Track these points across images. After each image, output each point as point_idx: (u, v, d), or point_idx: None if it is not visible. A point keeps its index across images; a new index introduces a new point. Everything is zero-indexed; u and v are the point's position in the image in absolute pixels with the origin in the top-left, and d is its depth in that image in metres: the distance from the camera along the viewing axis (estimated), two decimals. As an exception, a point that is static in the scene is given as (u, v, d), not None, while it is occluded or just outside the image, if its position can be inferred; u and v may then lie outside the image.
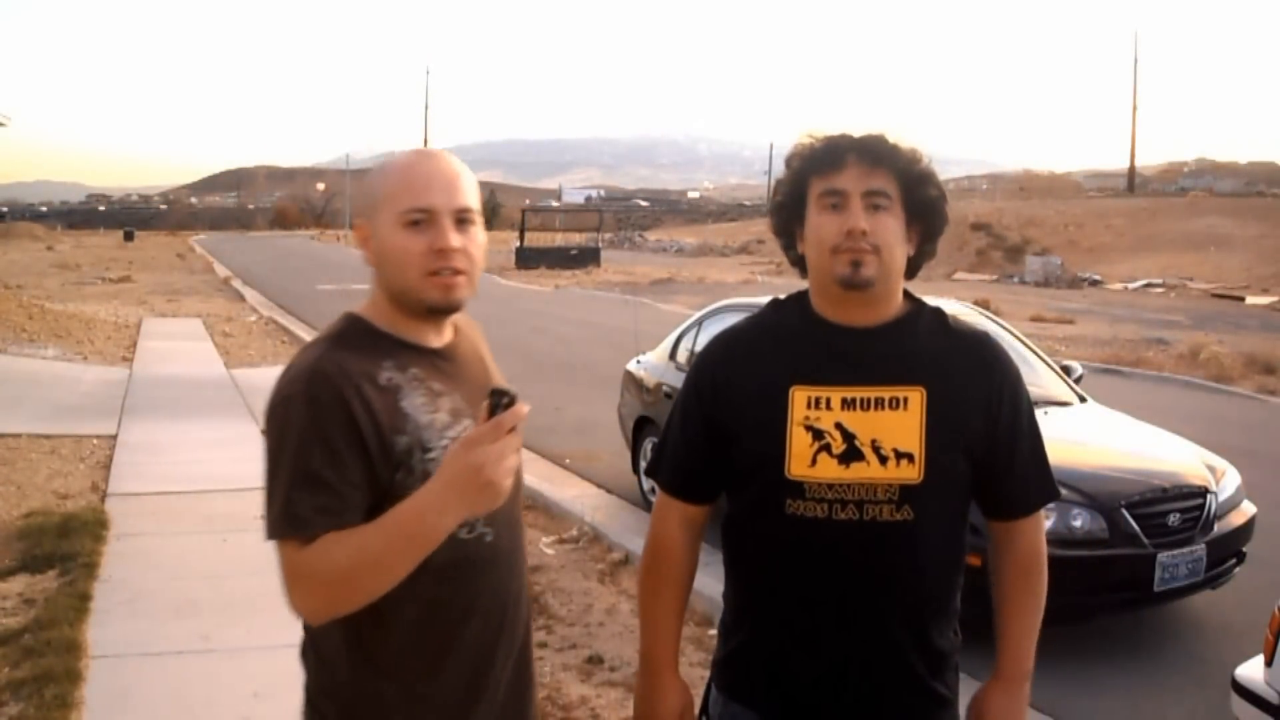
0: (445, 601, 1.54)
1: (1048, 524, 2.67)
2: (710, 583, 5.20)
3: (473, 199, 1.57)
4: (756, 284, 27.30)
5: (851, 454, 1.64)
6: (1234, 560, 4.87)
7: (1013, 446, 1.72)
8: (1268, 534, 5.23)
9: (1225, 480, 5.04)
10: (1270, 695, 3.06)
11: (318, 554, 1.41)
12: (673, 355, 6.87)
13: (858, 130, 1.70)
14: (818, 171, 1.68)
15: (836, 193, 1.66)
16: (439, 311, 1.58)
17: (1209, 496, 4.76)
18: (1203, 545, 4.61)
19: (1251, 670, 3.18)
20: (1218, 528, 4.75)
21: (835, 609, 1.67)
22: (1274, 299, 26.58)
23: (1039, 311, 19.73)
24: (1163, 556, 4.47)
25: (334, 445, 1.44)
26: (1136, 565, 4.45)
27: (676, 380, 6.64)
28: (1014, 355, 1.88)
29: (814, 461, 1.65)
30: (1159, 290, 29.99)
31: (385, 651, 1.54)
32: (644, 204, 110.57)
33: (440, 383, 1.57)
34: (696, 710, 1.87)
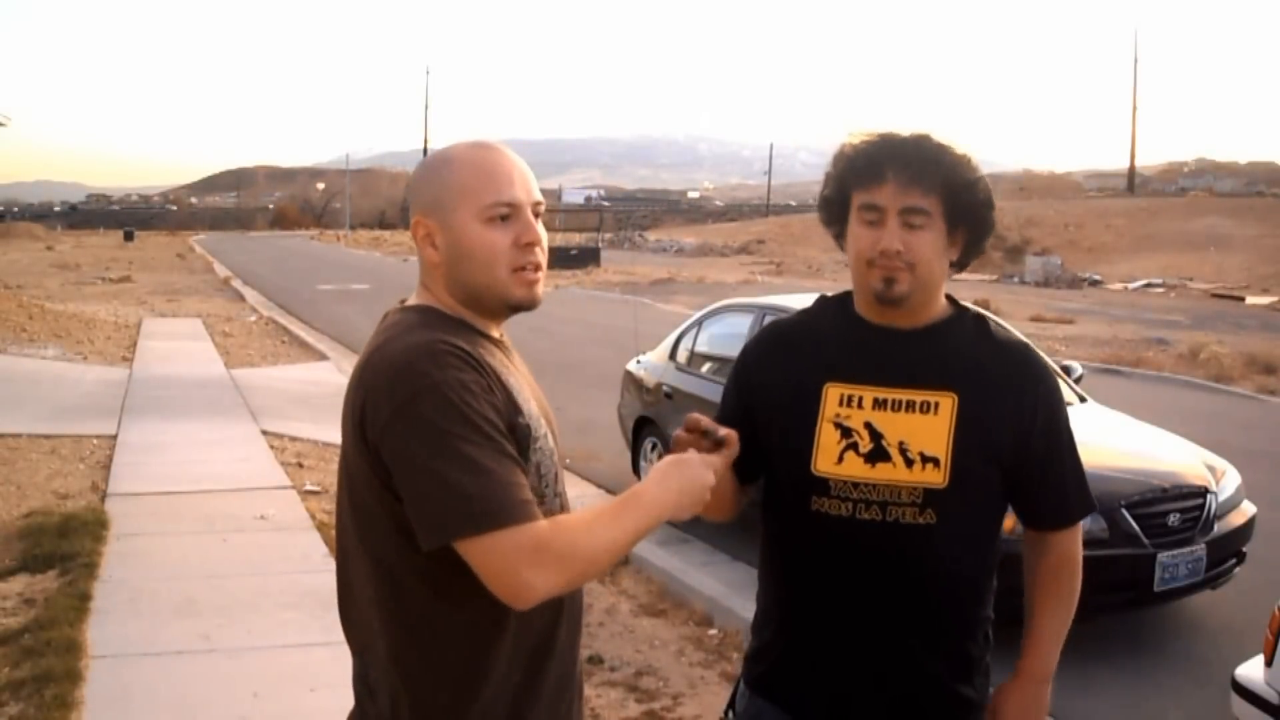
0: (545, 608, 1.48)
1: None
2: (710, 583, 5.24)
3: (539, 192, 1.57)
4: (756, 284, 27.30)
5: (878, 454, 1.65)
6: (1234, 560, 4.87)
7: (1047, 458, 1.70)
8: (1268, 534, 5.23)
9: (1225, 480, 5.04)
10: (1270, 695, 3.06)
11: (578, 531, 1.38)
12: (673, 355, 6.87)
13: (902, 133, 1.68)
14: (858, 183, 1.68)
15: (874, 208, 1.65)
16: (517, 310, 1.54)
17: (1209, 496, 4.76)
18: (1203, 545, 4.61)
19: (1251, 670, 3.18)
20: (1218, 528, 4.75)
21: (856, 608, 1.68)
22: (1274, 299, 26.57)
23: (1039, 311, 19.73)
24: (1163, 556, 4.47)
25: (499, 432, 1.38)
26: (1136, 565, 4.45)
27: (676, 380, 6.64)
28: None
29: (840, 459, 1.67)
30: (1159, 290, 29.99)
31: (493, 654, 1.48)
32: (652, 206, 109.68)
33: (512, 373, 1.53)
34: (724, 707, 1.89)
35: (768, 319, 6.09)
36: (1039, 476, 1.70)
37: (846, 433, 1.67)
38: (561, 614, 1.55)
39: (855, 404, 1.68)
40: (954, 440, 1.64)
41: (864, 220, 1.67)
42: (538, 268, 1.53)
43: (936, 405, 1.65)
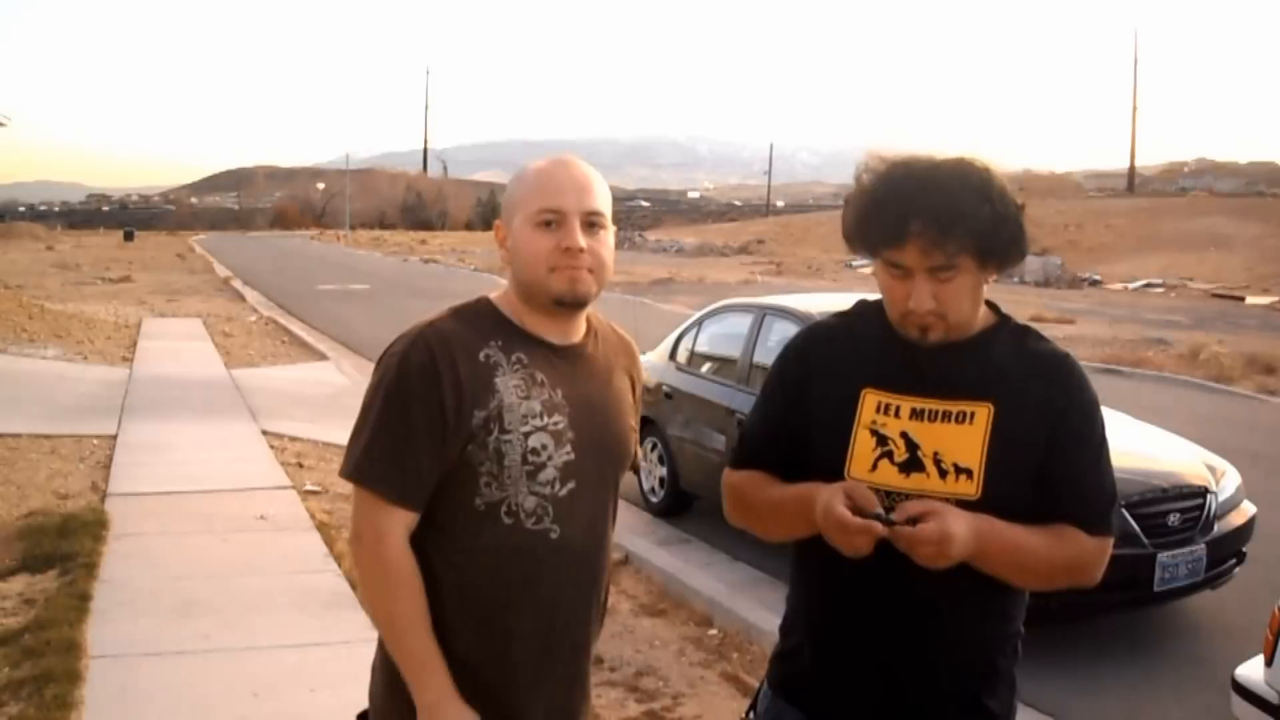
0: (496, 579, 1.63)
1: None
2: (710, 583, 5.25)
3: (603, 204, 1.68)
4: (757, 284, 27.30)
5: (913, 464, 1.62)
6: (1234, 560, 4.87)
7: (1071, 463, 1.64)
8: (1268, 534, 5.23)
9: (1225, 480, 5.04)
10: (1270, 695, 3.06)
11: (400, 575, 1.58)
12: (673, 355, 6.86)
13: (920, 166, 1.58)
14: (879, 239, 1.60)
15: (899, 266, 1.59)
16: (565, 304, 1.66)
17: (1209, 496, 4.76)
18: (1203, 545, 4.61)
19: (1251, 670, 3.18)
20: (1218, 528, 4.75)
21: (884, 618, 1.65)
22: (1274, 299, 26.57)
23: (1039, 311, 19.70)
24: (1163, 556, 4.47)
25: (412, 411, 1.57)
26: (1136, 565, 4.45)
27: (676, 380, 6.64)
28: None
29: (874, 467, 1.64)
30: (1159, 290, 29.98)
31: (436, 609, 1.61)
32: (644, 204, 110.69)
33: (546, 374, 1.64)
34: (746, 707, 1.88)
35: (767, 319, 6.10)
36: (1056, 491, 1.63)
37: (882, 440, 1.64)
38: (522, 602, 1.63)
39: (892, 413, 1.65)
40: (988, 451, 1.60)
41: (891, 274, 1.61)
42: (578, 269, 1.65)
43: (972, 415, 1.62)
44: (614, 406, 1.75)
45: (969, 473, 1.60)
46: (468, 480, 1.59)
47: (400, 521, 1.58)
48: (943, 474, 1.61)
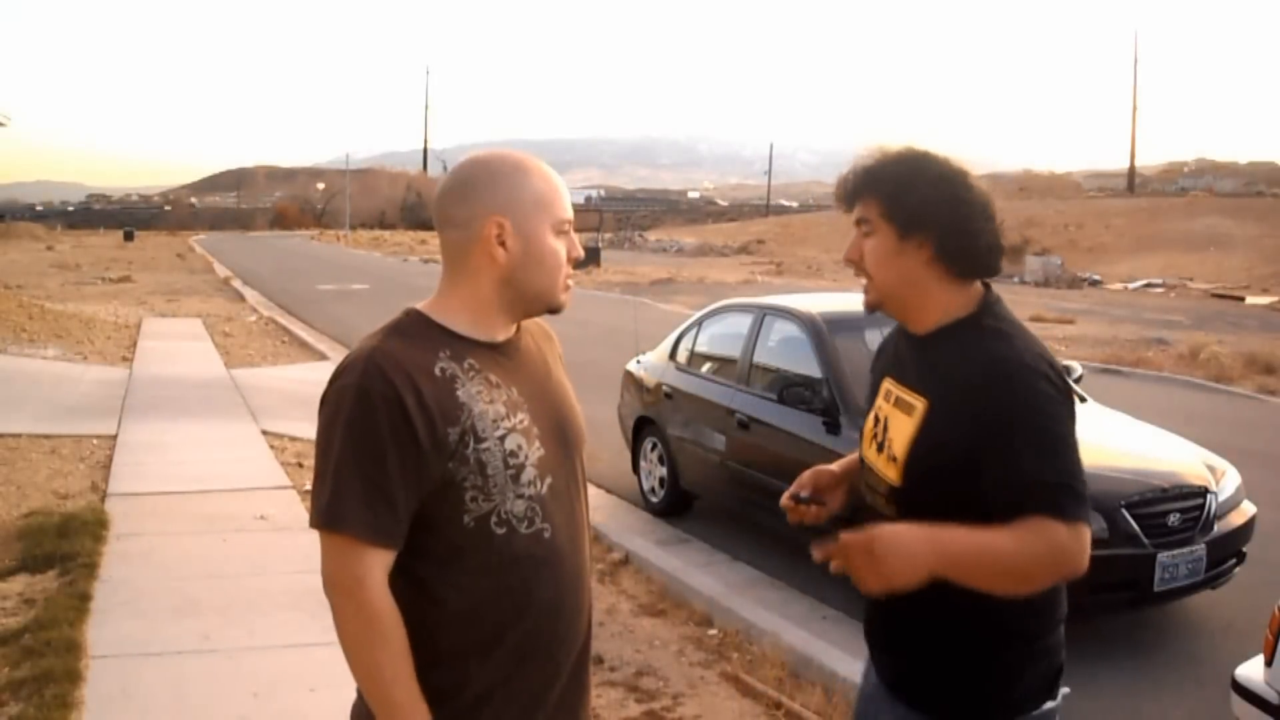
0: (500, 594, 1.58)
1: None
2: (710, 582, 5.25)
3: None
4: (756, 284, 27.31)
5: (881, 445, 1.81)
6: (1234, 560, 4.87)
7: (1013, 471, 1.58)
8: (1268, 534, 5.24)
9: (1225, 480, 5.04)
10: (1270, 695, 3.06)
11: (383, 620, 1.49)
12: (673, 355, 6.86)
13: (883, 147, 1.79)
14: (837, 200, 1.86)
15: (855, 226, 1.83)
16: (555, 311, 1.70)
17: (1209, 496, 4.76)
18: (1203, 545, 4.61)
19: (1251, 670, 3.18)
20: (1218, 528, 4.75)
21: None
22: (1274, 299, 26.58)
23: (1039, 311, 19.73)
24: (1163, 556, 4.47)
25: (382, 444, 1.49)
26: (1136, 565, 4.45)
27: (676, 380, 6.64)
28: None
29: (870, 445, 1.85)
30: (1159, 290, 29.98)
31: (441, 640, 1.56)
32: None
33: (498, 375, 1.62)
34: None
35: (767, 319, 6.10)
36: (1007, 475, 1.58)
37: (877, 421, 1.84)
38: (528, 609, 1.59)
39: (890, 399, 1.82)
40: (913, 443, 1.71)
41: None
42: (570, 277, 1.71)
43: (913, 408, 1.75)
44: (560, 392, 1.75)
45: (896, 460, 1.74)
46: (453, 498, 1.54)
47: (379, 563, 1.50)
48: (887, 458, 1.77)
